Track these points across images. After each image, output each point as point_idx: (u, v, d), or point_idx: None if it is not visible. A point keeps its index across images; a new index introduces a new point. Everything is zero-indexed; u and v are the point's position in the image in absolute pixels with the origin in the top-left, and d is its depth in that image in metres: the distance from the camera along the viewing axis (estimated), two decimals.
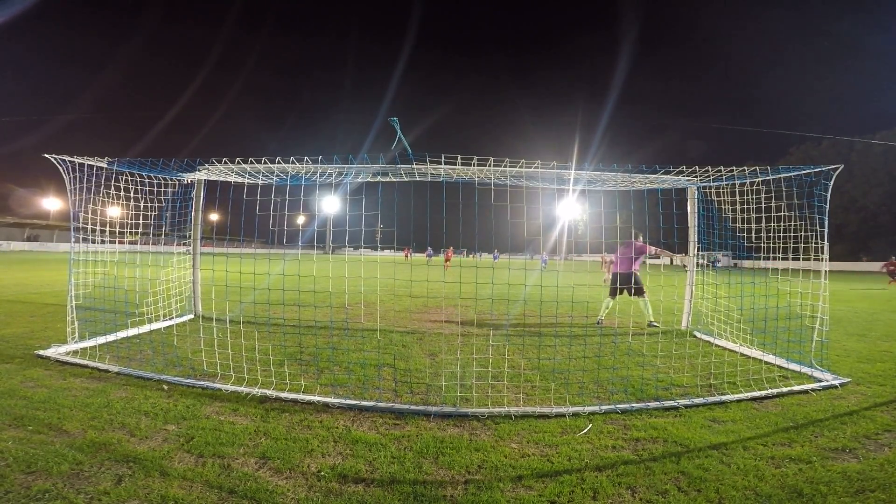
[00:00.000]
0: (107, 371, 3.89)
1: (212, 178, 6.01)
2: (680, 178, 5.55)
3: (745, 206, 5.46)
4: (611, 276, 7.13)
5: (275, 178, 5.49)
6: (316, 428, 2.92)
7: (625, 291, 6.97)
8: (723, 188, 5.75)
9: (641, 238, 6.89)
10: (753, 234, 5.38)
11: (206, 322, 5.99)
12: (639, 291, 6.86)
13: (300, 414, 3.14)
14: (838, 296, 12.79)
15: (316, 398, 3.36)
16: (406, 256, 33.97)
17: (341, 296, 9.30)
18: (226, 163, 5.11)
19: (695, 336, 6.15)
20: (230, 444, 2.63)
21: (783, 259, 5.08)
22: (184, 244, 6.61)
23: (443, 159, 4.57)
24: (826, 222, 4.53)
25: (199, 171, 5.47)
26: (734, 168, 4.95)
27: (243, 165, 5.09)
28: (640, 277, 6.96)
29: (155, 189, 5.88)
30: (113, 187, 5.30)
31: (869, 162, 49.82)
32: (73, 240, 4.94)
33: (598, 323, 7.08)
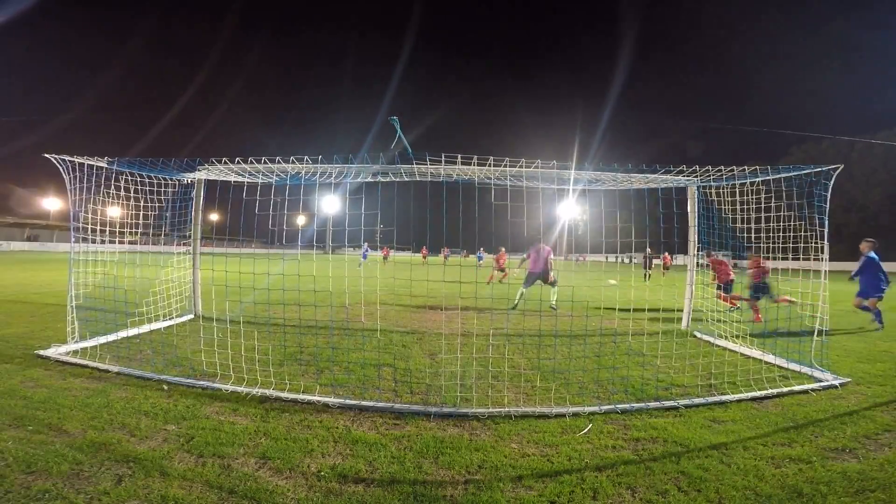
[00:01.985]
0: (107, 371, 3.89)
1: (211, 178, 6.02)
2: (680, 178, 5.55)
3: (745, 206, 5.46)
4: (527, 274, 8.89)
5: (274, 178, 5.49)
6: (316, 428, 2.92)
7: (537, 282, 8.86)
8: (723, 188, 5.75)
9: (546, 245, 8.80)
10: (753, 234, 5.38)
11: (206, 322, 5.99)
12: (551, 283, 8.71)
13: (300, 414, 3.14)
14: (838, 296, 12.77)
15: (316, 398, 3.36)
16: (384, 257, 28.65)
17: (341, 296, 9.30)
18: (226, 162, 5.11)
19: (695, 336, 6.15)
20: (230, 444, 2.63)
21: (783, 259, 5.08)
22: (184, 244, 6.61)
23: (443, 159, 4.57)
24: (826, 222, 4.53)
25: (199, 170, 5.47)
26: (734, 168, 4.95)
27: (243, 165, 5.09)
28: (549, 272, 8.74)
29: (155, 189, 5.88)
30: (113, 187, 5.30)
31: (869, 162, 49.79)
32: (72, 240, 4.94)
33: (512, 308, 8.45)
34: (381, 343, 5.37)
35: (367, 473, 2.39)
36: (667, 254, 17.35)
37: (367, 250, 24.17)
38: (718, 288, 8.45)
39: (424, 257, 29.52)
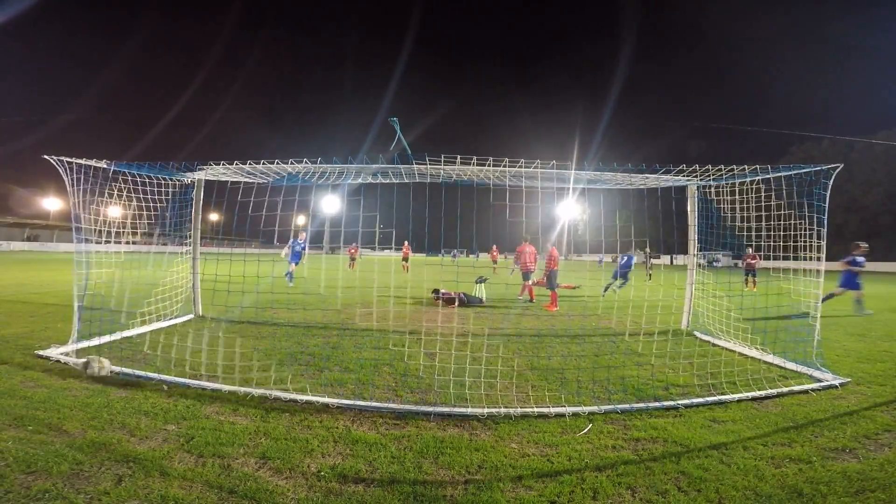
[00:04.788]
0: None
1: (209, 178, 6.01)
2: (680, 177, 5.55)
3: (745, 206, 5.46)
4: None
5: (271, 179, 5.49)
6: (316, 428, 2.92)
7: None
8: (722, 188, 5.75)
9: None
10: (753, 234, 5.37)
11: (207, 322, 5.99)
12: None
13: (300, 414, 3.14)
14: (838, 295, 12.76)
15: (316, 398, 3.35)
16: (353, 258, 21.57)
17: (341, 296, 9.30)
18: (224, 164, 5.11)
19: (695, 336, 6.14)
20: (230, 444, 2.63)
21: (783, 259, 5.08)
22: (183, 244, 6.61)
23: (442, 159, 4.57)
24: (825, 221, 4.53)
25: (198, 171, 5.47)
26: (734, 168, 4.95)
27: (243, 166, 5.09)
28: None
29: (155, 189, 5.88)
30: (113, 188, 5.30)
31: (869, 162, 49.78)
32: (75, 241, 4.93)
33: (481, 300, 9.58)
34: (380, 343, 5.37)
35: (367, 473, 2.39)
36: (750, 250, 12.80)
37: (301, 245, 12.55)
38: (525, 278, 9.96)
39: (406, 258, 21.56)
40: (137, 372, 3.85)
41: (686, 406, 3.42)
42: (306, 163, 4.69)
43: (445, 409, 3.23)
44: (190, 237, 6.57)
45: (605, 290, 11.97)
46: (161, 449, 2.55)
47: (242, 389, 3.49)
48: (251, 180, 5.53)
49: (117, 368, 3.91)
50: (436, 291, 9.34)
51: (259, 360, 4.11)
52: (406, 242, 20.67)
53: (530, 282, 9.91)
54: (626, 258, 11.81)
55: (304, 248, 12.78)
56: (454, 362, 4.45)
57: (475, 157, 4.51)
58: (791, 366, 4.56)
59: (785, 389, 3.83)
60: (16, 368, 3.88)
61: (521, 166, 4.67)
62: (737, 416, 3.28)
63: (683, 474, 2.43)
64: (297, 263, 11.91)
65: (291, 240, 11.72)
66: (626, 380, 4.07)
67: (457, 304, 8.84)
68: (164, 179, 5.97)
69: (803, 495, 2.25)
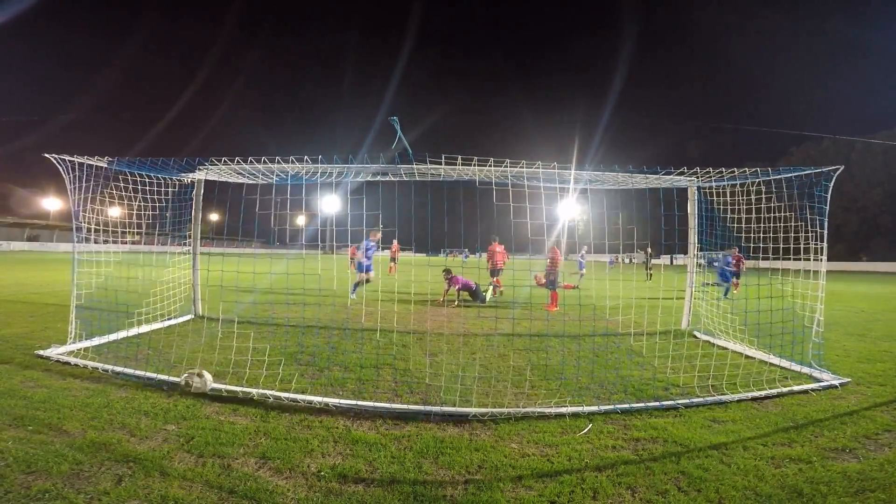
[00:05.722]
0: (106, 371, 3.88)
1: (210, 179, 6.01)
2: (680, 178, 5.55)
3: (745, 207, 5.46)
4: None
5: (274, 178, 5.48)
6: (316, 428, 2.92)
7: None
8: (723, 188, 5.75)
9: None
10: (753, 235, 5.37)
11: (207, 322, 5.98)
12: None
13: (300, 414, 3.14)
14: (839, 296, 12.78)
15: (316, 398, 3.35)
16: (352, 259, 13.56)
17: (341, 296, 9.30)
18: (226, 162, 5.11)
19: (695, 336, 6.14)
20: (230, 444, 2.63)
21: (783, 259, 5.08)
22: (183, 244, 6.61)
23: (443, 159, 4.57)
24: (826, 223, 4.52)
25: (198, 171, 5.47)
26: (734, 168, 4.95)
27: (243, 165, 5.09)
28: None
29: (155, 188, 5.88)
30: (113, 187, 5.30)
31: (869, 162, 49.82)
32: (75, 240, 4.93)
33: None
34: (381, 343, 5.37)
35: (367, 473, 2.39)
36: (736, 251, 11.76)
37: (373, 248, 9.56)
38: (492, 274, 10.49)
39: (394, 258, 18.81)
40: (137, 372, 3.82)
41: (686, 406, 3.42)
42: (307, 161, 4.69)
43: (445, 409, 3.23)
44: (189, 237, 6.57)
45: (726, 294, 10.36)
46: (161, 449, 2.55)
47: (242, 389, 3.49)
48: (252, 181, 5.53)
49: (116, 369, 3.91)
50: (447, 271, 9.31)
51: (259, 359, 4.11)
52: (395, 241, 17.87)
53: (533, 280, 9.99)
54: (724, 258, 10.59)
55: (371, 248, 9.46)
56: (454, 362, 4.45)
57: (476, 158, 4.51)
58: (791, 366, 4.55)
59: (785, 389, 3.83)
60: (16, 368, 3.88)
61: (521, 166, 4.66)
62: (737, 416, 3.28)
63: (683, 474, 2.43)
64: (370, 271, 9.09)
65: (364, 240, 8.84)
66: (626, 380, 4.07)
67: (458, 291, 9.12)
68: (165, 179, 5.96)
69: (803, 495, 2.25)
